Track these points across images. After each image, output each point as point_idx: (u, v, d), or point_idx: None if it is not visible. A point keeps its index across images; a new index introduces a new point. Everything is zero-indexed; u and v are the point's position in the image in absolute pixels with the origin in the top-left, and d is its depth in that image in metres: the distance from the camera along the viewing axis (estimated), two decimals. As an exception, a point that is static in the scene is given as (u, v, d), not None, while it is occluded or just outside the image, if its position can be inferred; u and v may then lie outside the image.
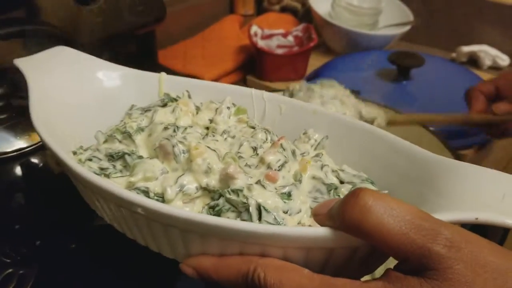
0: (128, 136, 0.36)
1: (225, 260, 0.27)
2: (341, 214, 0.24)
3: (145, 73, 0.41)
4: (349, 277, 0.25)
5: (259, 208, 0.29)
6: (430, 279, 0.22)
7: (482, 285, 0.22)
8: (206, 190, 0.31)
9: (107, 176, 0.33)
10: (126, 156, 0.34)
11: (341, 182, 0.35)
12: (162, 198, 0.31)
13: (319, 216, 0.26)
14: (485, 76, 0.93)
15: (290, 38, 0.94)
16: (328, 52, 1.04)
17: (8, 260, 0.51)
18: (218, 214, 0.30)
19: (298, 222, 0.30)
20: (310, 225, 0.30)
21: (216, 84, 0.42)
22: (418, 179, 0.32)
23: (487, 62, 1.05)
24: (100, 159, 0.34)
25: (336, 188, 0.34)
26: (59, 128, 0.35)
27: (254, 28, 0.92)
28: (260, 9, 1.26)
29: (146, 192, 0.31)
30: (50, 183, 0.48)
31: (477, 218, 0.26)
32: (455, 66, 0.98)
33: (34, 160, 0.47)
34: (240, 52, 0.95)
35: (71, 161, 0.30)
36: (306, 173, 0.33)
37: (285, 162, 0.33)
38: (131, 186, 0.32)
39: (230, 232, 0.26)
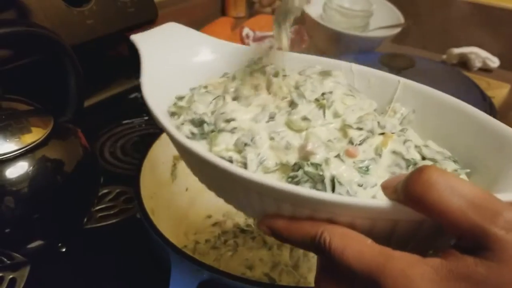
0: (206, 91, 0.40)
1: (296, 222, 0.29)
2: (404, 188, 0.25)
3: (241, 47, 0.46)
4: (414, 251, 0.25)
5: (333, 180, 0.30)
6: (486, 260, 0.22)
7: None
8: (285, 165, 0.33)
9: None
10: (204, 125, 0.36)
11: (423, 158, 0.34)
12: (245, 166, 0.33)
13: (387, 190, 0.27)
14: (476, 77, 0.93)
15: (282, 40, 0.94)
16: (319, 54, 1.04)
17: (-2, 264, 0.51)
18: (297, 183, 0.31)
19: (372, 196, 0.31)
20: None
21: (308, 56, 0.45)
22: (502, 158, 0.31)
23: (477, 63, 1.06)
24: (189, 123, 0.37)
25: (415, 164, 0.33)
26: (163, 94, 0.39)
27: (246, 31, 0.92)
28: (252, 12, 1.26)
29: (230, 161, 0.34)
30: (40, 185, 0.48)
31: None
32: (445, 67, 0.99)
33: (24, 163, 0.47)
34: (232, 54, 0.95)
35: (179, 136, 0.34)
36: (387, 147, 0.33)
37: (367, 137, 0.34)
38: (216, 154, 0.34)
39: (302, 199, 0.27)
